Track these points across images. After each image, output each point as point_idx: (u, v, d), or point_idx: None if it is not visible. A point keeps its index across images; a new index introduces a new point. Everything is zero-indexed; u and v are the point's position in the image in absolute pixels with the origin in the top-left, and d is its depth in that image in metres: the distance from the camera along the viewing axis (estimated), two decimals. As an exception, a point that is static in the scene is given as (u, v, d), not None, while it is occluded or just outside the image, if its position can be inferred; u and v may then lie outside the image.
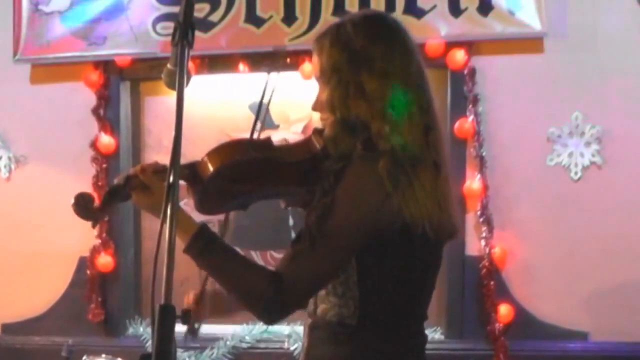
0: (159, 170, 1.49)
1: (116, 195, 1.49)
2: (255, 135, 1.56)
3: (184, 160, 1.19)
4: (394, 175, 1.41)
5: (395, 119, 1.45)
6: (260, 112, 1.66)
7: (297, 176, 1.53)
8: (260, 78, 3.27)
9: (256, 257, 3.37)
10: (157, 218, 1.21)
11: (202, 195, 1.51)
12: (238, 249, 1.51)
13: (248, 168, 1.50)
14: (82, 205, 1.45)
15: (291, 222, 3.32)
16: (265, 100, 1.70)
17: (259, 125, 1.56)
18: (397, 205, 1.40)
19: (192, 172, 1.49)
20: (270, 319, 1.51)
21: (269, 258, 3.36)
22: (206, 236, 1.46)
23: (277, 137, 3.26)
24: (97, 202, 1.47)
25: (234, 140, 1.56)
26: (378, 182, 1.41)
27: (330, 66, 1.48)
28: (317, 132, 1.56)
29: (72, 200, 1.45)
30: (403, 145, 1.44)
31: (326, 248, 1.42)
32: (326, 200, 1.43)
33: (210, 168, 1.47)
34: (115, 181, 1.51)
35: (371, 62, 1.46)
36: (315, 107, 1.56)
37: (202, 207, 1.55)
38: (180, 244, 1.39)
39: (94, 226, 1.52)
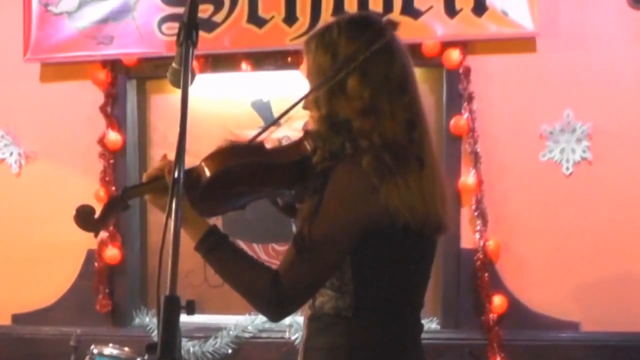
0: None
1: (114, 207, 1.49)
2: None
3: (187, 155, 1.20)
4: (378, 170, 1.43)
5: (376, 116, 1.47)
6: (271, 125, 1.73)
7: (289, 177, 1.54)
8: (262, 76, 3.34)
9: (258, 249, 3.38)
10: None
11: (199, 200, 1.51)
12: (241, 242, 1.51)
13: (243, 172, 1.51)
14: (82, 217, 1.45)
15: (292, 215, 3.35)
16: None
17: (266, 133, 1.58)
18: (384, 198, 1.43)
19: (188, 178, 1.45)
20: (274, 319, 1.54)
21: (271, 251, 3.38)
22: (216, 235, 1.51)
23: (279, 133, 3.28)
24: (97, 214, 1.46)
25: (229, 146, 1.55)
26: (364, 178, 1.43)
27: (315, 67, 1.54)
28: (308, 134, 1.57)
29: (74, 212, 1.44)
30: (385, 141, 1.46)
31: (320, 251, 1.45)
32: (314, 199, 1.45)
33: (207, 173, 1.48)
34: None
35: (351, 62, 1.48)
36: (306, 106, 1.59)
37: (198, 212, 1.54)
38: (187, 240, 1.40)
39: (95, 236, 1.51)
